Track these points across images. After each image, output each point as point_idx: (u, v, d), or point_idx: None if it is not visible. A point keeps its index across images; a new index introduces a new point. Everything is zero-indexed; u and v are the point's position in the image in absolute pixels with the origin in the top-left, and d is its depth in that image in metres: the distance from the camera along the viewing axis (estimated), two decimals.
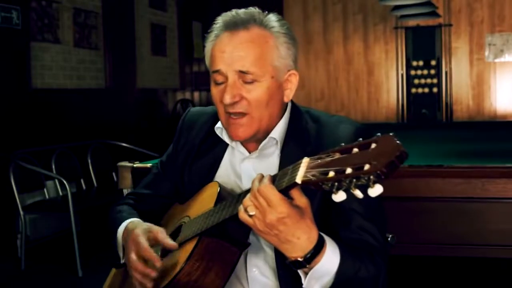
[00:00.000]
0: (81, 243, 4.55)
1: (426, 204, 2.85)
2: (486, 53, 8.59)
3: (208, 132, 1.62)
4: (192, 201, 1.57)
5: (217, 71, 1.46)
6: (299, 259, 1.26)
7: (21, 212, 4.68)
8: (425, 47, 8.77)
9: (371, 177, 1.02)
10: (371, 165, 1.02)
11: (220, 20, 1.51)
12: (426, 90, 8.77)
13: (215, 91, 1.49)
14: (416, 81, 8.81)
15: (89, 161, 5.66)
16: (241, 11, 1.49)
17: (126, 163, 3.18)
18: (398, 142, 1.05)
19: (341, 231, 1.41)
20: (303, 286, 1.31)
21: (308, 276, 1.29)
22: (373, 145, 1.06)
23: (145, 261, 1.44)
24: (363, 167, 1.03)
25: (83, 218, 5.38)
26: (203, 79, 8.62)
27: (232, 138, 1.51)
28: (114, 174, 5.73)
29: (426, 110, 8.76)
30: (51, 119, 5.54)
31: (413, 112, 8.82)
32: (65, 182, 4.63)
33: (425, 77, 8.78)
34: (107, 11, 6.45)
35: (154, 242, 1.46)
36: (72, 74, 5.97)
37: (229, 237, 1.37)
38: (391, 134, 1.07)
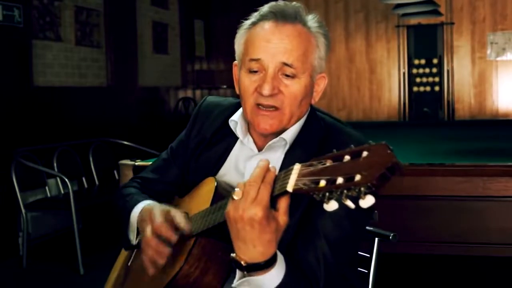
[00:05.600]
0: (82, 241, 4.56)
1: (427, 202, 2.85)
2: (488, 51, 8.58)
3: (221, 125, 1.61)
4: (189, 196, 1.57)
5: (256, 60, 1.42)
6: (242, 262, 1.22)
7: (23, 210, 4.69)
8: (427, 45, 8.75)
9: (362, 188, 0.98)
10: (362, 176, 0.98)
11: (267, 9, 1.46)
12: (428, 88, 8.76)
13: (248, 80, 1.45)
14: (418, 79, 8.81)
15: (91, 159, 5.67)
16: (290, 4, 1.46)
17: (127, 161, 3.19)
18: (390, 152, 1.00)
19: (301, 246, 1.38)
20: (234, 283, 1.28)
21: (243, 279, 1.26)
22: (365, 153, 1.02)
23: (160, 238, 1.41)
24: (354, 177, 0.99)
25: (84, 216, 5.38)
26: (205, 77, 8.62)
27: (258, 129, 1.47)
28: (115, 172, 5.74)
29: (428, 108, 8.75)
30: (52, 117, 5.55)
31: (415, 110, 8.81)
32: (66, 180, 4.64)
33: (427, 75, 8.77)
34: (109, 9, 6.45)
35: (171, 224, 1.41)
36: (74, 72, 5.98)
37: (226, 238, 1.35)
38: (383, 142, 1.02)
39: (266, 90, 1.40)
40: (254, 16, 1.48)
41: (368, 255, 1.80)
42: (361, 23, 9.02)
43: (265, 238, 1.19)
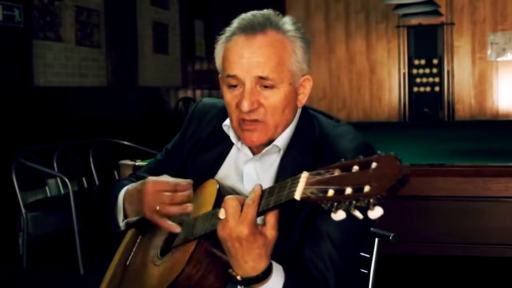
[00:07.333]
0: (82, 241, 4.56)
1: (428, 202, 2.85)
2: (488, 52, 8.58)
3: (217, 127, 1.60)
4: None
5: (233, 76, 1.42)
6: (238, 278, 1.25)
7: (23, 210, 4.69)
8: (427, 45, 8.76)
9: (371, 200, 0.98)
10: (371, 187, 0.99)
11: (236, 22, 1.45)
12: (428, 89, 8.76)
13: (229, 96, 1.45)
14: (418, 79, 8.81)
15: (91, 159, 5.67)
16: (258, 13, 1.44)
17: (128, 161, 3.19)
18: (399, 163, 1.00)
19: (306, 249, 1.38)
20: None
21: None
22: (374, 164, 1.02)
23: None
24: (363, 188, 1.00)
25: (84, 216, 5.38)
26: (205, 77, 8.62)
27: (245, 143, 1.48)
28: (116, 172, 5.73)
29: (428, 108, 8.75)
30: (53, 117, 5.54)
31: (415, 110, 8.81)
32: (66, 180, 4.64)
33: (427, 75, 8.77)
34: (109, 9, 6.45)
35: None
36: (74, 72, 5.97)
37: None
38: (392, 153, 1.03)
39: (245, 107, 1.40)
40: (228, 30, 1.47)
41: (368, 255, 1.80)
42: (362, 23, 9.02)
43: (254, 254, 1.22)
